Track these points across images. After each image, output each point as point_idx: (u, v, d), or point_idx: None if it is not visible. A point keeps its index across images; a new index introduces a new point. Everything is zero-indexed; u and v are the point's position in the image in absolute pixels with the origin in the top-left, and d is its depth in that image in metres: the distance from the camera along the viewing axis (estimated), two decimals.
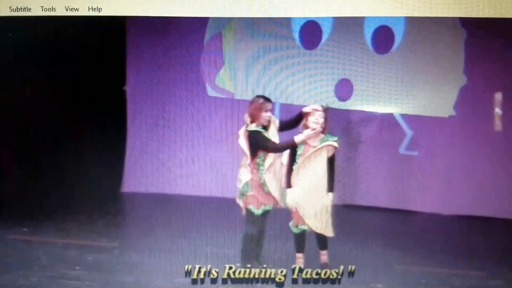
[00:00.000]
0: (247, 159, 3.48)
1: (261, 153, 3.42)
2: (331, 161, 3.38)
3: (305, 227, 3.38)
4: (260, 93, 4.09)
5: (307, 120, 3.40)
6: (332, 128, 3.50)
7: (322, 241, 3.42)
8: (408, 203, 4.70)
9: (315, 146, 3.39)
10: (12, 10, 2.31)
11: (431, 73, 4.45)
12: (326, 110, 3.45)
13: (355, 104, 4.65)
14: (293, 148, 3.42)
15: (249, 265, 3.35)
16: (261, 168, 3.43)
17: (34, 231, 3.98)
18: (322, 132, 3.41)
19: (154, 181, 5.03)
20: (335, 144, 3.41)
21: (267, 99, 3.52)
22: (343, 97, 4.68)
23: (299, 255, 3.41)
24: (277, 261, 3.44)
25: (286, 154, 3.54)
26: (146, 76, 4.84)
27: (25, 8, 2.31)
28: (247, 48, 4.54)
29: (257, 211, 3.38)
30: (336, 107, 4.51)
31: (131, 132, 4.90)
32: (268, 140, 3.39)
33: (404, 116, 4.72)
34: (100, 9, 2.34)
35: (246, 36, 4.43)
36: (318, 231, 3.36)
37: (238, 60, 4.63)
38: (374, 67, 4.52)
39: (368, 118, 4.80)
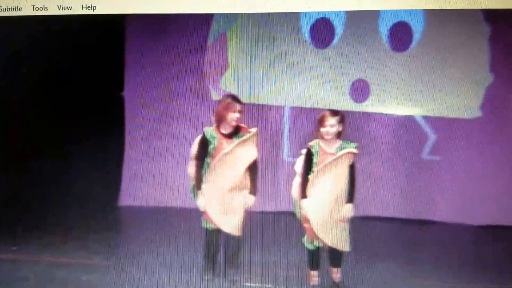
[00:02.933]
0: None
1: (207, 159, 3.43)
2: (351, 169, 3.35)
3: (320, 244, 3.34)
4: (268, 96, 4.16)
5: (321, 125, 3.36)
6: (347, 133, 3.44)
7: (335, 257, 3.37)
8: (430, 213, 4.62)
9: (334, 154, 3.35)
10: (2, 9, 2.32)
11: (454, 71, 4.43)
12: (342, 114, 3.40)
13: (372, 106, 4.63)
14: (308, 155, 3.39)
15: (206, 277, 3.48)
16: (205, 170, 3.44)
17: (21, 248, 3.91)
18: (338, 137, 3.37)
19: (153, 194, 5.07)
20: (355, 150, 3.37)
21: (236, 99, 3.51)
22: (358, 99, 4.63)
23: (314, 273, 3.37)
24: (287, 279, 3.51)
25: (299, 162, 3.44)
26: (145, 80, 4.96)
27: (15, 8, 2.31)
28: (254, 49, 4.55)
29: (205, 224, 3.45)
30: (352, 110, 4.45)
31: (129, 142, 4.93)
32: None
33: (426, 118, 4.66)
34: (94, 7, 2.34)
35: (253, 36, 4.43)
36: (332, 245, 3.32)
37: (245, 62, 4.63)
38: (391, 66, 4.49)
39: (386, 121, 4.74)
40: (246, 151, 3.50)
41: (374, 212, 4.61)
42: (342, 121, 3.38)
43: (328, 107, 4.52)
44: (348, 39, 4.52)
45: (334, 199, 3.30)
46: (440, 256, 3.89)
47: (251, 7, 2.62)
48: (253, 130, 3.59)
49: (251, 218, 3.62)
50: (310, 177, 3.34)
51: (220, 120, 3.53)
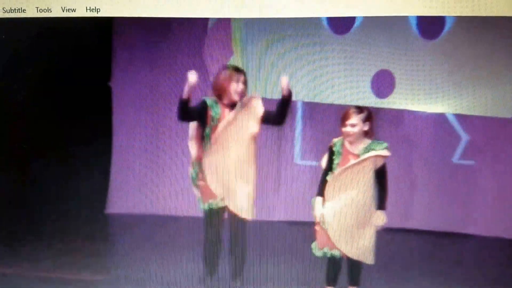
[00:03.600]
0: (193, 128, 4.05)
1: (207, 128, 3.82)
2: (380, 173, 3.66)
3: (335, 253, 3.67)
4: (278, 89, 4.66)
5: (342, 124, 3.68)
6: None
7: (355, 271, 3.72)
8: (464, 226, 4.92)
9: (358, 156, 3.67)
10: (6, 11, 2.83)
11: (491, 63, 4.63)
12: (369, 111, 3.68)
13: (397, 101, 4.85)
14: (330, 154, 3.72)
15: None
16: (206, 144, 3.85)
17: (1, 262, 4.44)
18: (366, 135, 3.68)
19: (144, 200, 5.44)
20: (385, 153, 3.67)
21: (238, 69, 3.86)
22: (381, 93, 4.94)
23: None
24: None
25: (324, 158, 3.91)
26: (135, 73, 5.30)
27: (19, 9, 2.81)
28: (262, 34, 4.74)
29: (203, 206, 3.82)
30: (373, 106, 4.76)
31: (117, 145, 5.40)
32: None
33: (458, 116, 4.95)
34: (98, 10, 2.84)
35: (262, 19, 4.56)
36: (353, 256, 3.66)
37: (252, 49, 4.86)
38: (420, 55, 4.73)
39: (413, 119, 5.03)
40: (250, 120, 3.78)
41: (399, 223, 4.92)
42: (368, 119, 3.65)
43: (345, 103, 4.75)
44: (371, 23, 4.73)
45: (357, 205, 3.59)
46: (476, 274, 4.14)
47: (260, 13, 3.29)
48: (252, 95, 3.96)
49: (256, 228, 4.01)
50: (329, 178, 3.66)
51: (220, 93, 3.81)
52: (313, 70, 4.96)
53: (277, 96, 4.69)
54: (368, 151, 3.64)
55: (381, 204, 3.67)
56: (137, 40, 5.27)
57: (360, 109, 3.74)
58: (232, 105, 3.88)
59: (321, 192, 3.71)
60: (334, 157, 3.70)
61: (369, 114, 3.71)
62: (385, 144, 3.69)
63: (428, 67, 4.75)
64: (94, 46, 4.54)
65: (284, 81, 3.78)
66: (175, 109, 5.30)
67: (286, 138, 5.42)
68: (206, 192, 3.85)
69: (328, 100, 4.86)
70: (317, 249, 3.75)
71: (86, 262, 4.38)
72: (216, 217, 3.90)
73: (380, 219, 3.67)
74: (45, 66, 4.46)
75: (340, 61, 4.86)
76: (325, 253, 3.71)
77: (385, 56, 4.78)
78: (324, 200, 3.70)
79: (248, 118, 3.82)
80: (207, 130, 3.82)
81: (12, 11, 2.81)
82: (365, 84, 4.98)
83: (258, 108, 3.89)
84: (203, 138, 3.87)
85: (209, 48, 5.00)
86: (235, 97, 3.81)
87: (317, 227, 3.75)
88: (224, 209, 3.89)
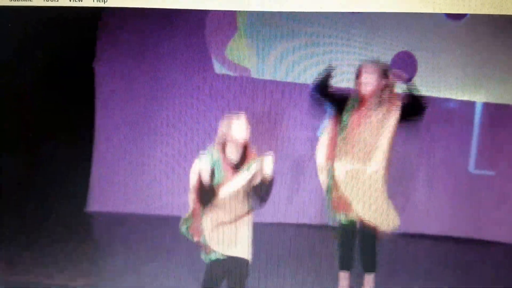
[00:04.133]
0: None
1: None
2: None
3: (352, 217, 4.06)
4: (288, 70, 4.79)
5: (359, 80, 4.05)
6: None
7: (368, 248, 4.06)
8: (485, 232, 5.21)
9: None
10: (13, 0, 3.29)
11: None
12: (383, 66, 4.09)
13: (419, 87, 4.80)
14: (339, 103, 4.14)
15: None
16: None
17: None
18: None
19: (129, 198, 5.78)
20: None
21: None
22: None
23: (344, 274, 4.06)
24: None
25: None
26: (119, 71, 5.63)
27: None
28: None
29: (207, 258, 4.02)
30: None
31: (99, 139, 5.81)
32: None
33: (486, 105, 5.17)
34: (105, 0, 3.32)
35: None
36: (371, 220, 3.95)
37: (258, 24, 4.99)
38: (444, 36, 4.94)
39: (437, 108, 5.20)
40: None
41: (415, 228, 5.19)
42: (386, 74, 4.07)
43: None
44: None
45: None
46: (497, 281, 4.47)
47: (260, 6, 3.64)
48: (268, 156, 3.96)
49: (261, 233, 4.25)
50: (340, 137, 4.04)
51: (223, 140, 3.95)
52: (328, 52, 5.05)
53: (288, 78, 4.87)
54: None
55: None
56: (124, 31, 5.43)
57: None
58: (236, 165, 3.97)
59: (332, 155, 4.11)
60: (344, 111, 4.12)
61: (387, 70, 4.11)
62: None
63: (454, 50, 4.90)
64: (78, 38, 4.91)
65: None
66: (157, 107, 5.54)
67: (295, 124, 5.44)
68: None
69: (343, 84, 4.86)
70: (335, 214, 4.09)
71: (65, 267, 4.52)
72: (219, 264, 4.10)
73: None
74: (24, 59, 4.79)
75: (357, 43, 4.98)
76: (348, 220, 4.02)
77: (405, 37, 4.94)
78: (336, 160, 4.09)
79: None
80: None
81: None
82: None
83: (267, 168, 3.98)
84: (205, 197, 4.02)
85: (211, 24, 5.12)
86: (239, 144, 3.92)
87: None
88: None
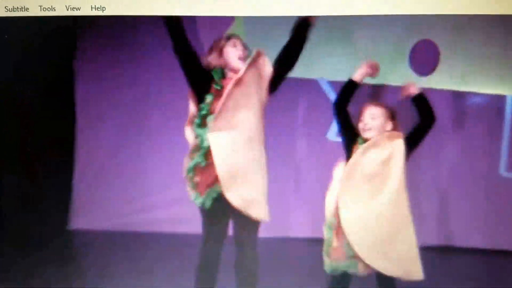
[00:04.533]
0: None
1: (208, 96, 3.82)
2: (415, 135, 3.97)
3: (349, 265, 3.89)
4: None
5: (362, 116, 3.99)
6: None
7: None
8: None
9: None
10: (8, 10, 3.51)
11: None
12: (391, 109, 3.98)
13: (441, 81, 5.17)
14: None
15: None
16: (207, 117, 3.84)
17: None
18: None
19: (114, 215, 6.06)
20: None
21: (230, 35, 3.97)
22: (422, 70, 5.18)
23: None
24: None
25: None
26: (100, 82, 5.88)
27: (22, 8, 3.50)
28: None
29: (201, 200, 3.84)
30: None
31: (80, 157, 6.10)
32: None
33: None
34: (104, 8, 3.52)
35: None
36: (389, 273, 3.84)
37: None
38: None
39: (463, 104, 5.39)
40: (259, 82, 3.91)
41: (438, 240, 5.43)
42: (389, 116, 4.01)
43: (377, 82, 4.73)
44: None
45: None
46: None
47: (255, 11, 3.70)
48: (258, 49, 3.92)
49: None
50: (347, 169, 3.93)
51: (218, 66, 3.89)
52: (338, 41, 5.13)
53: (295, 73, 4.54)
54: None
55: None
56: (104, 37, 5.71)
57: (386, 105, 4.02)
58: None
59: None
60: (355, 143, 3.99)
61: (394, 113, 4.04)
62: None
63: (483, 38, 4.95)
64: (58, 51, 5.23)
65: None
66: (141, 119, 5.75)
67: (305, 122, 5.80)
68: (206, 179, 3.83)
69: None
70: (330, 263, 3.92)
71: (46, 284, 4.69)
72: (221, 211, 3.87)
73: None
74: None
75: (370, 30, 5.03)
76: (338, 268, 3.90)
77: (426, 24, 4.98)
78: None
79: (258, 79, 3.90)
80: (209, 98, 3.84)
81: (15, 9, 3.52)
82: (402, 57, 5.17)
83: (266, 67, 3.96)
84: (201, 109, 3.86)
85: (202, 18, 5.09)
86: (239, 65, 3.86)
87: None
88: (228, 205, 3.82)
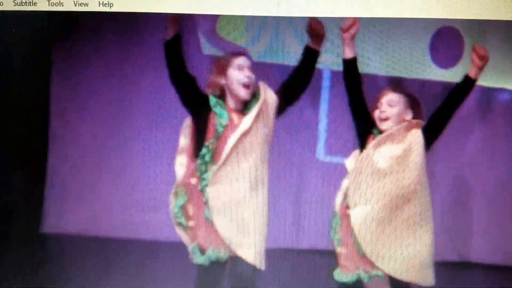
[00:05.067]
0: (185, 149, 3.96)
1: (210, 142, 3.87)
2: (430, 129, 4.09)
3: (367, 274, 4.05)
4: (293, 49, 4.65)
5: (378, 102, 4.06)
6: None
7: None
8: None
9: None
10: (16, 4, 3.90)
11: None
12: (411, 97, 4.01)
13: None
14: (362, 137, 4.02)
15: None
16: (203, 174, 3.96)
17: None
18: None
19: (89, 218, 6.23)
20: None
21: (238, 52, 4.01)
22: (443, 62, 5.41)
23: None
24: None
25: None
26: (75, 82, 6.02)
27: (30, 3, 3.91)
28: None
29: (202, 259, 3.99)
30: (432, 79, 5.31)
31: (53, 158, 6.28)
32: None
33: None
34: (111, 5, 3.90)
35: None
36: (398, 276, 4.02)
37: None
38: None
39: (489, 102, 5.55)
40: (267, 122, 4.02)
41: (457, 256, 5.59)
42: (409, 104, 4.21)
43: (388, 73, 5.18)
44: None
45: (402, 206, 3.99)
46: None
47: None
48: (261, 84, 4.01)
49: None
50: (353, 177, 4.14)
51: (220, 92, 4.04)
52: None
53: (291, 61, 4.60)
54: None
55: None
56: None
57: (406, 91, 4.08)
58: (240, 106, 4.07)
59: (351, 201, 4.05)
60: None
61: (416, 101, 4.16)
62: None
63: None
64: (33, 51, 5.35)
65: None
66: (121, 117, 5.81)
67: (305, 119, 5.61)
68: (206, 237, 4.01)
69: (367, 70, 5.08)
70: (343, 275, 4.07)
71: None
72: (218, 273, 4.02)
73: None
74: None
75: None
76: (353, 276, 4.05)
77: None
78: (354, 206, 4.08)
79: (265, 116, 4.06)
80: (210, 144, 4.00)
81: (22, 3, 4.01)
82: (422, 46, 5.38)
83: (271, 99, 4.13)
84: (199, 157, 3.99)
85: None
86: (242, 93, 4.03)
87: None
88: (226, 262, 3.94)
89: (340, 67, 4.46)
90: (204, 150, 3.99)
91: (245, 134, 3.96)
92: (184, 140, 4.10)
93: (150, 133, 5.81)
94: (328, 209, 4.35)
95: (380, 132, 4.06)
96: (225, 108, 4.00)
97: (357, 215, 4.06)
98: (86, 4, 3.98)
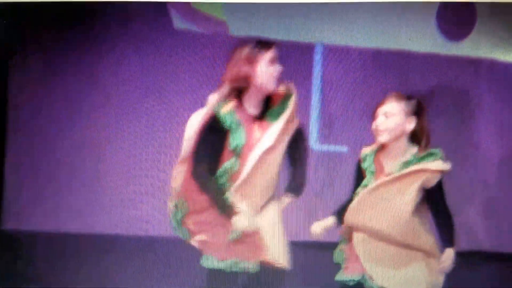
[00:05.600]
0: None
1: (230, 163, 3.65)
2: (432, 197, 3.78)
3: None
4: (282, 26, 4.42)
5: (376, 112, 3.72)
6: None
7: None
8: None
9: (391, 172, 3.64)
10: None
11: None
12: (419, 102, 3.69)
13: (477, 47, 5.07)
14: (357, 171, 3.81)
15: None
16: (225, 184, 3.71)
17: None
18: (413, 140, 3.75)
19: (47, 215, 6.06)
20: (438, 166, 3.69)
21: (266, 43, 3.75)
22: (453, 34, 5.04)
23: None
24: None
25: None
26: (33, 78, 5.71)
27: None
28: None
29: (220, 264, 3.81)
30: (440, 53, 4.94)
31: (12, 144, 6.02)
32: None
33: None
34: None
35: None
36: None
37: None
38: None
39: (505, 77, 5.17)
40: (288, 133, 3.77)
41: (483, 245, 5.33)
42: (410, 111, 3.77)
43: (390, 47, 4.84)
44: None
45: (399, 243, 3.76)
46: None
47: None
48: (291, 87, 3.79)
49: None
50: (353, 204, 3.80)
51: (241, 87, 3.74)
52: None
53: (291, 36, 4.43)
54: (408, 166, 3.66)
55: (448, 239, 3.82)
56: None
57: (407, 95, 3.73)
58: (259, 110, 3.79)
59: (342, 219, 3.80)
60: (363, 177, 3.82)
61: (419, 105, 3.76)
62: (439, 153, 3.72)
63: None
64: None
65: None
66: (82, 112, 5.54)
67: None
68: (231, 252, 3.85)
69: (365, 43, 4.88)
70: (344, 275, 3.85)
71: None
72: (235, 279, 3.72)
73: (448, 258, 3.81)
74: None
75: None
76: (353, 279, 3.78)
77: None
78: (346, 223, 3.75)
79: (289, 126, 3.83)
80: (230, 165, 3.77)
81: None
82: (428, 18, 4.99)
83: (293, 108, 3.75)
84: (220, 176, 3.77)
85: None
86: (272, 86, 3.75)
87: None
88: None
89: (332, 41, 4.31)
90: (220, 173, 3.86)
91: (268, 150, 3.76)
92: (188, 148, 3.86)
93: (108, 129, 5.63)
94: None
95: (379, 148, 3.85)
96: (241, 122, 3.83)
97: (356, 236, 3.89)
98: None
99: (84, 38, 5.54)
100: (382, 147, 3.77)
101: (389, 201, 3.76)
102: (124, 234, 4.71)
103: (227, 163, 3.75)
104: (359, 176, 3.85)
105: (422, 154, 3.72)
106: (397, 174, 3.69)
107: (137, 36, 5.23)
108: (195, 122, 3.77)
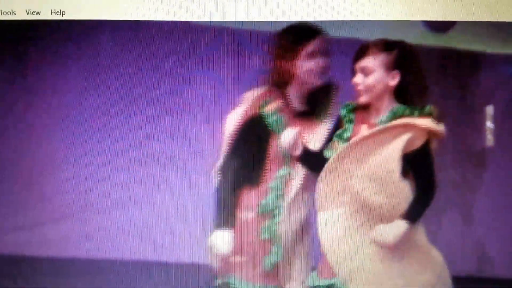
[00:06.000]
0: None
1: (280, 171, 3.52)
2: (416, 161, 3.30)
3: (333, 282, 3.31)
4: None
5: (353, 68, 3.31)
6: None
7: None
8: None
9: (375, 125, 3.32)
10: None
11: None
12: (401, 47, 3.38)
13: (463, 39, 5.04)
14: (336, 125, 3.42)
15: None
16: (274, 210, 3.62)
17: None
18: (396, 97, 3.35)
19: (23, 239, 5.63)
20: (426, 123, 3.24)
21: (315, 31, 3.60)
22: (439, 24, 5.01)
23: None
24: None
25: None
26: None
27: None
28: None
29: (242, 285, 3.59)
30: (425, 44, 4.87)
31: None
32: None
33: None
34: (63, 13, 3.83)
35: None
36: None
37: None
38: None
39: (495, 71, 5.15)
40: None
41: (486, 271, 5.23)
42: (392, 64, 3.36)
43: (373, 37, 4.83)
44: None
45: (374, 212, 3.31)
46: None
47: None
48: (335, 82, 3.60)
49: None
50: (326, 168, 3.32)
51: (282, 81, 3.59)
52: None
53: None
54: (394, 118, 3.29)
55: (410, 211, 3.34)
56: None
57: (386, 45, 3.39)
58: (305, 106, 3.67)
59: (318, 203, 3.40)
60: (344, 130, 3.48)
61: (402, 56, 3.36)
62: (428, 108, 3.32)
63: None
64: None
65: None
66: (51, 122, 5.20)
67: None
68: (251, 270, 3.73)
69: (350, 34, 4.44)
70: (317, 278, 3.57)
71: None
72: None
73: (392, 231, 3.32)
74: None
75: None
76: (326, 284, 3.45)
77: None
78: (321, 209, 3.45)
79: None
80: (281, 172, 3.70)
81: None
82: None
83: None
84: (272, 190, 3.69)
85: None
86: (312, 80, 3.66)
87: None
88: None
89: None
90: (274, 183, 3.70)
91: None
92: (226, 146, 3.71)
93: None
94: None
95: (358, 107, 3.53)
96: (287, 124, 3.63)
97: (323, 232, 3.68)
98: (39, 13, 4.06)
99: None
100: (363, 107, 3.42)
101: (377, 156, 3.35)
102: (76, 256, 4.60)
103: (279, 173, 3.67)
104: (336, 127, 3.54)
105: (407, 107, 3.34)
106: (378, 128, 3.34)
107: None
108: (232, 122, 3.72)
